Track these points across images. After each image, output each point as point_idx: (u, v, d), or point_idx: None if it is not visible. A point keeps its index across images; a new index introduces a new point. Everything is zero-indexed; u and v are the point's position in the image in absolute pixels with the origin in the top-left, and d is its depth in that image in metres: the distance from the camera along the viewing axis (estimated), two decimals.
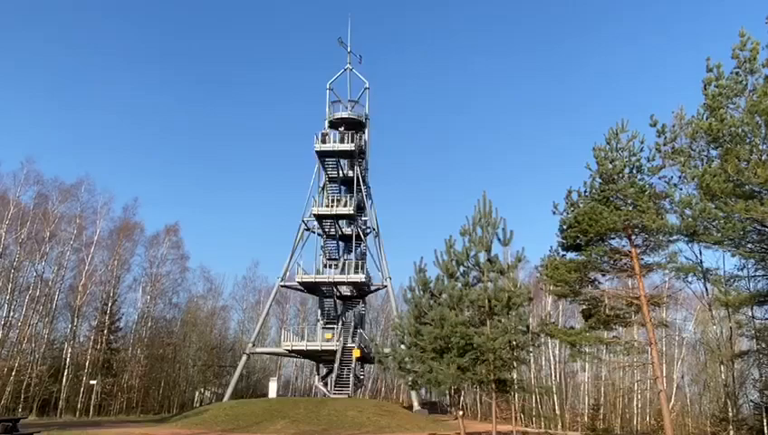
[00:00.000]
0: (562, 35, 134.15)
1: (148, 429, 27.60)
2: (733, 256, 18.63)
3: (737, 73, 16.96)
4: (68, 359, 42.20)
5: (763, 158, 15.72)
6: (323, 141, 41.48)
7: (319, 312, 43.50)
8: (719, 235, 17.68)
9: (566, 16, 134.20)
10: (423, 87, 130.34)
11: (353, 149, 41.23)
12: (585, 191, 20.76)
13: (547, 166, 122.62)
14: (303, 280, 40.53)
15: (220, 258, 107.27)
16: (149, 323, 51.35)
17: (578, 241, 20.22)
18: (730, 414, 29.18)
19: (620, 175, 19.85)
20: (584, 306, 21.48)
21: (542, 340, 31.66)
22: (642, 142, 19.89)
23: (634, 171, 19.98)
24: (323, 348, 39.29)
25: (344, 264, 41.85)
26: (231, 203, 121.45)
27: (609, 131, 20.34)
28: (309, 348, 39.51)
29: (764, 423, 26.09)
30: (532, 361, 41.53)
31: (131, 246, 50.33)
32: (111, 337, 46.08)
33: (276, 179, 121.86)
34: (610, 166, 19.95)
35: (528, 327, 19.91)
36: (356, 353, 38.76)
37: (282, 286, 43.46)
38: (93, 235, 46.40)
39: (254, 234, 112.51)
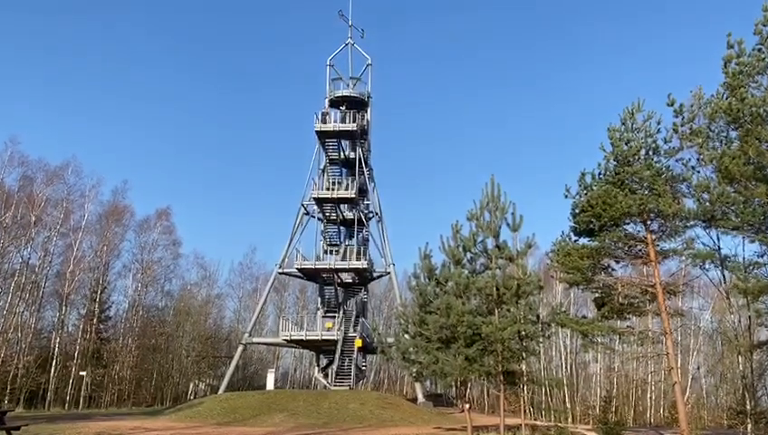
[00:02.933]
0: (574, 12, 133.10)
1: (140, 422, 27.97)
2: (752, 242, 18.77)
3: (760, 50, 17.03)
4: (56, 349, 42.66)
5: None
6: (323, 121, 41.46)
7: (319, 300, 43.77)
8: (738, 220, 17.83)
9: None
10: (432, 64, 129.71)
11: (355, 129, 41.24)
12: (599, 173, 20.92)
13: (559, 145, 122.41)
14: (303, 267, 40.75)
15: (215, 244, 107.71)
16: (141, 312, 51.77)
17: (591, 226, 20.40)
18: (748, 407, 29.44)
19: (636, 157, 19.97)
20: (597, 295, 21.68)
21: (553, 330, 31.89)
22: (659, 123, 20.04)
23: (650, 153, 20.10)
24: (323, 338, 39.59)
25: (345, 250, 42.03)
26: (226, 186, 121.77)
27: (625, 111, 20.45)
28: (308, 338, 39.81)
29: None
30: (542, 352, 41.82)
31: (121, 231, 50.69)
32: (101, 326, 46.53)
33: (275, 161, 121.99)
34: (626, 147, 20.08)
35: (538, 317, 20.15)
36: (358, 343, 39.07)
37: (280, 273, 43.66)
38: (81, 219, 46.76)
39: (251, 218, 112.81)
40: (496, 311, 19.35)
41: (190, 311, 57.74)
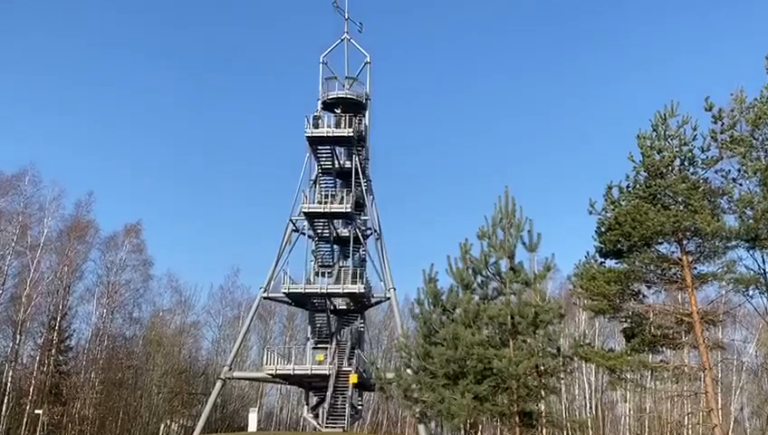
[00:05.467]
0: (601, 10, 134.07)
1: None
2: None
3: None
4: (8, 383, 42.40)
5: None
6: (316, 126, 41.56)
7: (309, 329, 43.61)
8: None
9: None
10: (436, 61, 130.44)
11: (351, 134, 41.33)
12: (628, 187, 20.91)
13: (583, 153, 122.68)
14: (291, 291, 40.62)
15: (192, 264, 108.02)
16: (106, 342, 51.56)
17: (619, 246, 20.34)
18: None
19: (669, 168, 19.98)
20: (626, 324, 21.59)
21: (576, 364, 31.67)
22: (695, 129, 20.06)
23: (685, 163, 20.13)
24: (314, 372, 39.40)
25: (339, 272, 41.96)
26: (206, 198, 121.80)
27: (656, 116, 20.48)
28: (296, 372, 39.61)
29: None
30: (563, 389, 41.60)
31: (84, 250, 50.62)
32: (60, 358, 46.31)
33: (260, 171, 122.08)
34: (657, 157, 20.09)
35: (559, 349, 20.00)
36: (353, 379, 38.87)
37: (265, 298, 43.54)
38: (40, 236, 46.69)
39: (233, 235, 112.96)
40: (511, 342, 19.23)
41: (162, 341, 57.53)
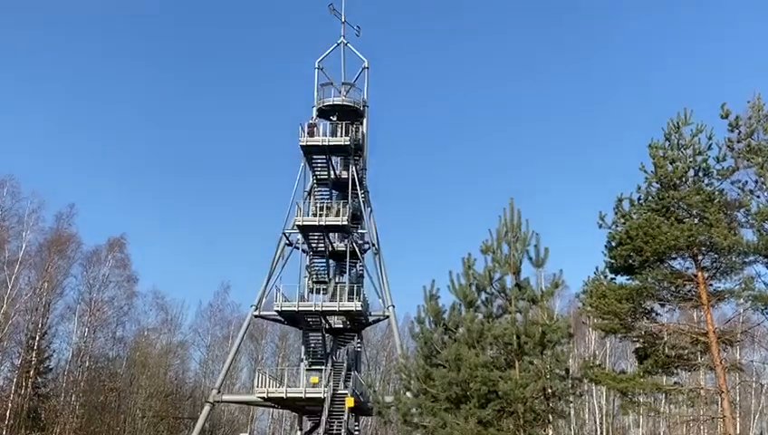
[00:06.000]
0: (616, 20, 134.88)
1: None
2: None
3: None
4: None
5: None
6: (311, 134, 41.71)
7: (303, 349, 43.52)
8: None
9: None
10: (438, 67, 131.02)
11: (348, 143, 41.49)
12: (639, 199, 20.96)
13: (591, 163, 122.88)
14: (284, 309, 40.62)
15: (179, 281, 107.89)
16: (87, 363, 51.47)
17: (630, 262, 20.39)
18: None
19: (683, 179, 20.05)
20: (638, 345, 21.59)
21: (586, 387, 31.70)
22: (710, 138, 20.11)
23: (700, 174, 20.19)
24: (308, 396, 39.30)
25: (335, 288, 41.93)
26: (194, 210, 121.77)
27: (669, 124, 20.57)
28: (289, 395, 39.53)
29: None
30: (572, 413, 41.52)
31: (65, 265, 50.64)
32: (39, 380, 46.17)
33: (251, 182, 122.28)
34: (670, 167, 20.16)
35: (567, 371, 20.00)
36: (349, 403, 38.79)
37: (256, 317, 43.50)
38: (18, 250, 46.66)
39: (223, 250, 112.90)
40: (517, 364, 19.23)
41: (147, 362, 57.43)
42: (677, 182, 20.06)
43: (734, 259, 19.77)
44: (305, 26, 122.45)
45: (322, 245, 42.33)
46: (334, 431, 38.32)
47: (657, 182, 20.55)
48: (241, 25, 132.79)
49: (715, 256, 20.12)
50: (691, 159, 20.16)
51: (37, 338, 45.86)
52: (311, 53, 56.89)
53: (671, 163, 20.22)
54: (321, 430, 38.52)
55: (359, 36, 46.64)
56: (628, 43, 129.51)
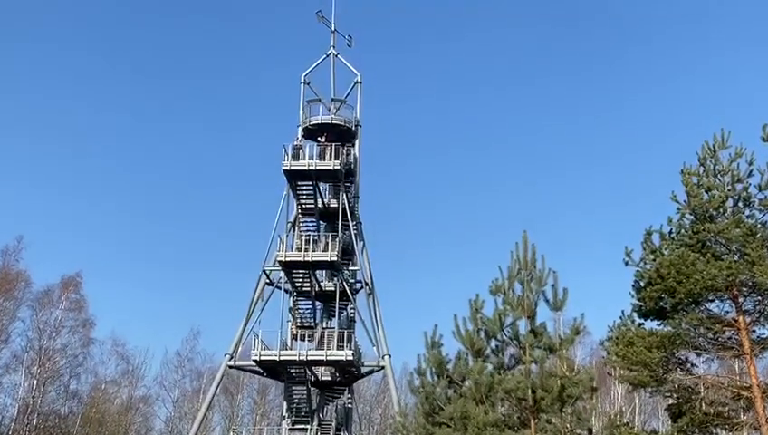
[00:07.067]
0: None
1: None
2: None
3: None
4: None
5: None
6: (295, 157, 41.79)
7: (285, 406, 43.22)
8: None
9: None
10: (437, 81, 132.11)
11: (338, 168, 41.58)
12: (671, 232, 21.00)
13: (615, 193, 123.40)
14: (263, 359, 40.37)
15: (142, 326, 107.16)
16: (35, 421, 51.12)
17: (661, 304, 20.36)
18: None
19: (721, 210, 20.11)
20: (671, 400, 21.48)
21: None
22: (751, 163, 20.21)
23: (740, 205, 20.24)
24: None
25: (323, 335, 41.79)
26: (159, 247, 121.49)
27: (704, 148, 20.67)
28: None
29: None
30: None
31: (12, 307, 50.45)
32: None
33: (227, 211, 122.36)
34: (706, 197, 20.23)
35: (590, 431, 19.90)
36: None
37: (231, 367, 43.25)
38: None
39: (192, 291, 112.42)
40: (532, 422, 19.12)
41: (105, 419, 57.04)
42: (714, 213, 20.11)
43: None
44: (290, 35, 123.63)
45: (308, 284, 42.19)
46: None
47: (690, 213, 20.61)
48: (214, 33, 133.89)
49: (759, 297, 20.13)
50: (729, 188, 20.23)
51: None
52: (297, 65, 57.35)
53: (707, 192, 20.29)
54: None
55: (350, 47, 47.11)
56: (655, 50, 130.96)
